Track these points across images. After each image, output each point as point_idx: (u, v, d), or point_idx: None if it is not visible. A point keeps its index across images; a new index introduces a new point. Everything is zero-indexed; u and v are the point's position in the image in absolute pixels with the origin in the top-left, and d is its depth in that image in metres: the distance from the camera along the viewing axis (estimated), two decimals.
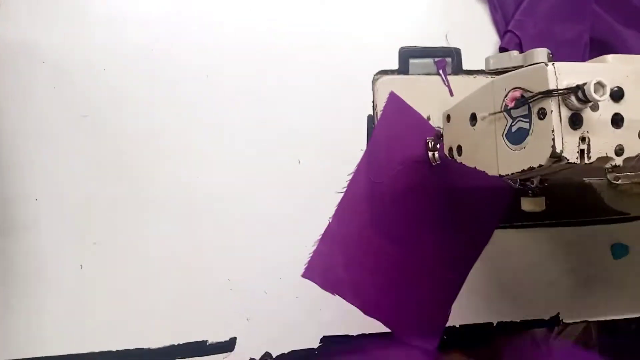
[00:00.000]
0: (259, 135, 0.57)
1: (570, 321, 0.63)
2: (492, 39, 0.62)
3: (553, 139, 0.37)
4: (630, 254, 0.65)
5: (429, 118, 0.60)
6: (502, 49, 0.61)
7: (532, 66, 0.39)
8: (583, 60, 0.63)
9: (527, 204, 0.47)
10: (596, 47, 0.64)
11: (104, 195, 0.53)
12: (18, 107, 0.52)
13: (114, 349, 0.52)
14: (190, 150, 0.55)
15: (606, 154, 0.38)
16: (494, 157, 0.43)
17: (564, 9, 0.62)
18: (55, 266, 0.52)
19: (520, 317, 0.61)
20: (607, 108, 0.38)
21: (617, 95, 0.38)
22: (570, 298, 0.63)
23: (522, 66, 0.42)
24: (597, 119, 0.38)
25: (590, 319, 0.64)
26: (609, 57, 0.42)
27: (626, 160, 0.39)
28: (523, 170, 0.40)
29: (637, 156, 0.39)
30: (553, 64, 0.37)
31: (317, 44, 0.59)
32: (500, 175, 0.43)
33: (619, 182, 0.40)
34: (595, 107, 0.38)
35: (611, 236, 0.64)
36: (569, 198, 0.62)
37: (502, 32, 0.61)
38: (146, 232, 0.54)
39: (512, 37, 0.61)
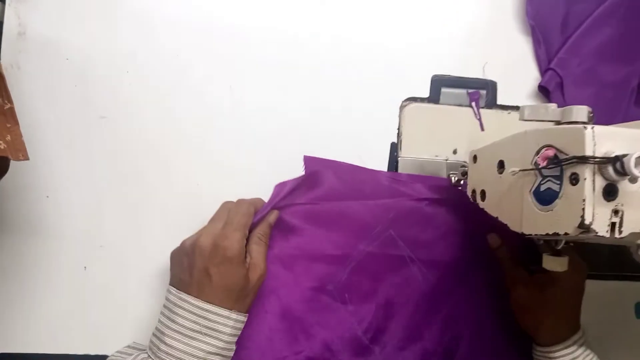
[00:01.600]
0: (276, 152, 0.55)
1: None
2: (532, 75, 0.59)
3: (583, 209, 0.34)
4: None
5: (455, 151, 0.58)
6: (541, 87, 0.58)
7: (570, 126, 0.36)
8: (628, 106, 0.59)
9: (550, 263, 0.45)
10: None
11: (114, 198, 0.52)
12: (37, 102, 0.51)
13: (109, 353, 0.52)
14: (206, 159, 0.54)
15: None
16: (519, 212, 0.41)
17: (613, 49, 0.58)
18: (59, 265, 0.52)
19: None
20: None
21: None
22: None
23: (559, 122, 0.39)
24: (635, 191, 0.35)
25: None
26: None
27: None
28: (548, 234, 0.38)
29: None
30: (592, 128, 0.34)
31: (346, 62, 0.56)
32: (522, 233, 0.41)
33: None
34: (634, 179, 0.35)
35: (637, 294, 0.61)
36: (597, 251, 0.59)
37: (544, 69, 0.58)
38: (154, 238, 0.53)
39: (553, 75, 0.57)
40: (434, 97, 0.58)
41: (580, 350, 0.50)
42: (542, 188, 0.38)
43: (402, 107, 0.57)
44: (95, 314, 0.52)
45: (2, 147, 0.42)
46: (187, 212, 0.53)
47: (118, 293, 0.52)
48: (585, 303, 0.59)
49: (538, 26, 0.58)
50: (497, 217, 0.45)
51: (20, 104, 0.51)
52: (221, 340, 0.44)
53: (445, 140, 0.58)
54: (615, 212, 0.35)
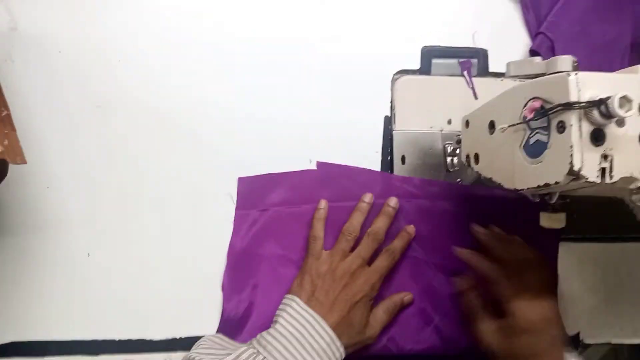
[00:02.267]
0: (270, 133, 0.55)
1: (592, 342, 0.59)
2: (522, 41, 0.59)
3: (571, 155, 0.34)
4: None
5: (449, 122, 0.58)
6: (532, 52, 0.58)
7: (554, 75, 0.36)
8: (622, 66, 0.59)
9: (546, 220, 0.44)
10: (637, 51, 0.59)
11: (114, 184, 0.53)
12: (33, 95, 0.52)
13: (117, 338, 0.52)
14: (200, 145, 0.55)
15: (631, 174, 0.35)
16: (511, 169, 0.41)
17: (602, 9, 0.58)
18: (63, 252, 0.52)
19: None
20: (635, 124, 0.35)
21: None
22: (593, 318, 0.59)
23: (544, 74, 0.39)
24: (623, 135, 0.35)
25: (613, 341, 0.60)
26: None
27: None
28: (539, 186, 0.38)
29: None
30: (576, 74, 0.34)
31: (334, 38, 0.57)
32: (516, 189, 0.41)
33: None
34: (621, 123, 0.35)
35: None
36: (599, 212, 0.58)
37: (534, 34, 0.58)
38: (153, 224, 0.54)
39: (544, 39, 0.57)
40: (425, 69, 0.58)
41: None
42: (532, 141, 0.38)
43: (393, 80, 0.57)
44: (100, 299, 0.53)
45: (0, 151, 0.43)
46: (184, 198, 0.54)
47: (122, 277, 0.53)
48: (591, 267, 0.59)
49: None
50: (490, 178, 0.45)
51: (15, 98, 0.52)
52: None
53: (439, 111, 0.58)
54: (605, 156, 0.34)
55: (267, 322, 0.50)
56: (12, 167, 0.48)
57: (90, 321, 0.52)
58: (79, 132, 0.53)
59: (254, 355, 0.45)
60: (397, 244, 0.53)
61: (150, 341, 0.53)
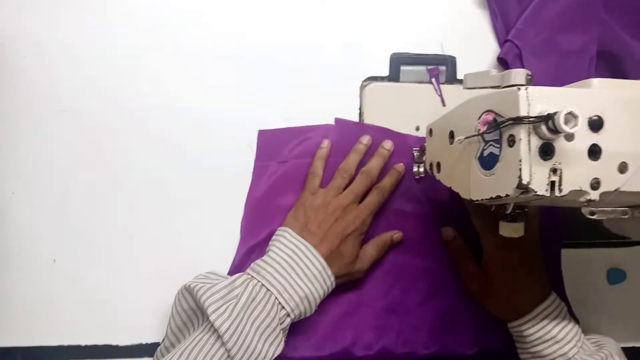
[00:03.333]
0: (241, 136, 0.56)
1: None
2: (491, 47, 0.59)
3: (520, 169, 0.34)
4: (627, 280, 0.61)
5: (417, 128, 0.58)
6: (500, 59, 0.58)
7: (505, 89, 0.37)
8: (589, 74, 0.60)
9: (505, 229, 0.45)
10: (604, 59, 0.60)
11: (80, 190, 0.53)
12: None
13: (82, 344, 0.53)
14: (171, 147, 0.55)
15: (580, 187, 0.35)
16: (467, 180, 0.41)
17: (570, 18, 0.58)
18: (28, 259, 0.52)
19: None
20: (584, 138, 0.35)
21: (596, 124, 0.35)
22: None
23: (499, 86, 0.39)
24: (572, 149, 0.35)
25: None
26: (595, 81, 0.39)
27: (603, 194, 0.36)
28: (492, 198, 0.38)
29: (615, 191, 0.36)
30: (527, 89, 0.35)
31: (303, 44, 0.57)
32: (471, 199, 0.41)
33: (595, 217, 0.37)
34: (570, 137, 0.35)
35: (608, 260, 0.61)
36: (565, 218, 0.59)
37: (502, 41, 0.58)
38: (121, 227, 0.54)
39: (511, 46, 0.57)
40: (393, 76, 0.58)
41: (554, 306, 0.50)
42: (485, 153, 0.39)
43: (362, 87, 0.58)
44: (66, 305, 0.53)
45: None
46: (153, 199, 0.54)
47: (88, 283, 0.53)
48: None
49: None
50: (450, 187, 0.45)
51: None
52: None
53: (407, 117, 0.58)
54: (554, 170, 0.35)
55: None
56: None
57: (56, 327, 0.53)
58: (43, 136, 0.53)
59: (248, 280, 0.47)
60: (387, 181, 0.55)
61: (117, 347, 0.53)
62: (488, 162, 0.38)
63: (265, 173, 0.56)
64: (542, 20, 0.58)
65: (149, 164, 0.54)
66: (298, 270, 0.48)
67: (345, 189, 0.54)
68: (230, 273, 0.54)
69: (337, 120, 0.57)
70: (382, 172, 0.56)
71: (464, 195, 0.42)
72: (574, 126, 0.32)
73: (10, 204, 0.52)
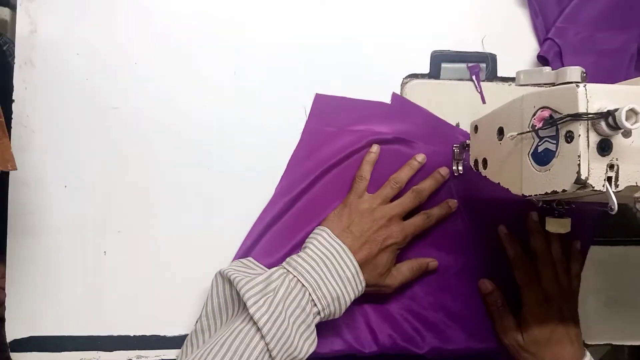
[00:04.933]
0: (280, 134, 0.57)
1: (593, 343, 0.61)
2: (531, 46, 0.60)
3: (579, 165, 0.35)
4: None
5: (458, 125, 0.59)
6: (540, 57, 0.59)
7: (563, 86, 0.37)
8: (629, 72, 0.60)
9: (552, 225, 0.46)
10: None
11: (129, 185, 0.55)
12: (52, 97, 0.54)
13: (132, 334, 0.54)
14: (214, 145, 0.56)
15: (636, 183, 0.36)
16: (519, 175, 0.42)
17: (611, 16, 0.59)
18: (80, 251, 0.54)
19: None
20: None
21: None
22: (595, 318, 0.61)
23: (553, 84, 0.40)
24: (629, 145, 0.36)
25: (614, 342, 0.62)
26: None
27: None
28: (546, 193, 0.39)
29: None
30: (585, 85, 0.35)
31: (344, 42, 0.58)
32: (523, 195, 0.42)
33: None
34: (627, 134, 0.36)
35: None
36: (602, 216, 0.59)
37: (542, 40, 0.59)
38: (168, 223, 0.55)
39: (551, 45, 0.58)
40: (434, 73, 0.59)
41: None
42: (540, 149, 0.39)
43: (403, 84, 0.58)
44: (115, 296, 0.54)
45: None
46: (197, 196, 0.55)
47: (136, 275, 0.54)
48: (594, 269, 0.60)
49: None
50: (498, 183, 0.46)
51: (35, 99, 0.53)
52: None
53: (447, 114, 0.59)
54: (611, 166, 0.36)
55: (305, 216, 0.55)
56: (31, 166, 0.50)
57: (105, 318, 0.54)
58: (95, 132, 0.54)
59: (284, 275, 0.47)
60: (436, 211, 0.56)
61: (164, 337, 0.54)
62: (543, 158, 0.39)
63: (315, 136, 0.56)
64: (582, 19, 0.59)
65: (196, 163, 0.55)
66: (333, 270, 0.48)
67: (392, 200, 0.54)
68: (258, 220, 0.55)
69: (394, 95, 0.57)
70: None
71: (514, 190, 0.43)
72: (635, 122, 0.33)
73: (63, 197, 0.54)
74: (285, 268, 0.49)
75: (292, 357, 0.45)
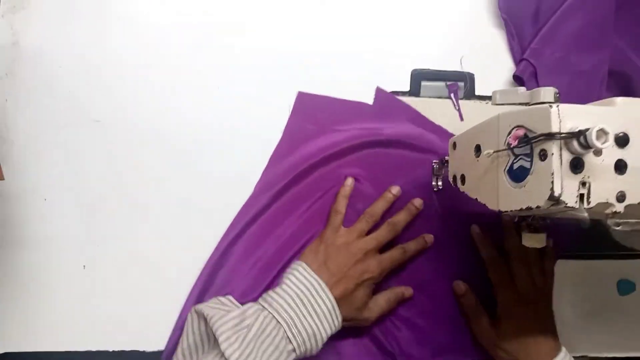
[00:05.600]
0: (271, 139, 0.57)
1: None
2: (507, 66, 0.62)
3: (552, 182, 0.36)
4: (637, 290, 0.63)
5: None
6: (516, 77, 0.61)
7: (537, 106, 0.39)
8: (600, 92, 0.62)
9: (528, 240, 0.47)
10: (614, 78, 0.62)
11: (110, 198, 0.54)
12: (34, 109, 0.53)
13: (111, 349, 0.53)
14: (201, 158, 0.56)
15: (607, 199, 0.37)
16: (495, 192, 0.43)
17: (584, 38, 0.61)
18: (59, 264, 0.53)
19: None
20: (611, 153, 0.37)
21: (622, 141, 0.37)
22: (570, 331, 0.62)
23: (528, 103, 0.41)
24: (600, 164, 0.37)
25: (589, 354, 0.63)
26: (619, 100, 0.41)
27: (628, 207, 0.38)
28: (521, 209, 0.40)
29: (639, 203, 0.38)
30: (557, 106, 0.37)
31: (327, 62, 0.59)
32: (499, 210, 0.43)
33: (619, 228, 0.39)
34: (598, 152, 0.37)
35: (618, 272, 0.63)
36: (576, 231, 0.61)
37: (518, 60, 0.61)
38: (150, 236, 0.55)
39: (527, 65, 0.60)
40: (414, 90, 0.60)
41: None
42: (515, 166, 0.41)
43: None
44: (96, 310, 0.53)
45: None
46: (182, 210, 0.55)
47: (117, 289, 0.54)
48: (569, 283, 0.61)
49: (510, 19, 0.61)
50: (476, 199, 0.47)
51: (16, 111, 0.53)
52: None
53: None
54: (583, 183, 0.37)
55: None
56: (10, 179, 0.49)
57: (84, 332, 0.53)
58: (76, 145, 0.54)
59: (259, 311, 0.47)
60: (413, 245, 0.56)
61: (144, 353, 0.54)
62: (518, 175, 0.40)
63: (297, 133, 0.57)
64: (557, 40, 0.61)
65: (179, 175, 0.56)
66: (309, 306, 0.48)
67: (367, 234, 0.54)
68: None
69: (378, 90, 0.59)
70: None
71: (491, 206, 0.44)
72: (605, 142, 0.34)
73: (42, 210, 0.53)
74: (260, 304, 0.48)
75: None
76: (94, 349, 0.53)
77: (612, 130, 0.37)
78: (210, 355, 0.45)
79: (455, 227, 0.59)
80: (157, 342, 0.54)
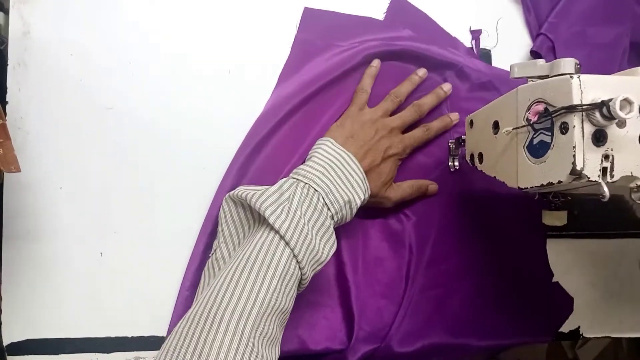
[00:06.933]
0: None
1: (591, 336, 0.61)
2: (524, 41, 0.60)
3: (574, 156, 0.35)
4: None
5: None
6: (533, 52, 0.59)
7: (557, 78, 0.37)
8: (621, 66, 0.60)
9: (549, 218, 0.46)
10: (637, 50, 0.61)
11: (125, 186, 0.54)
12: (46, 99, 0.53)
13: (130, 335, 0.54)
14: (211, 143, 0.56)
15: (631, 173, 0.36)
16: (514, 168, 0.42)
17: (602, 11, 0.59)
18: (77, 252, 0.53)
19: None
20: (635, 125, 0.36)
21: None
22: (592, 312, 0.61)
23: (547, 76, 0.40)
24: (624, 135, 0.36)
25: (612, 335, 0.62)
26: None
27: None
28: (542, 185, 0.39)
29: None
30: (579, 77, 0.36)
31: None
32: (519, 187, 0.42)
33: None
34: (621, 124, 0.36)
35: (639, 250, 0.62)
36: (598, 209, 0.60)
37: (535, 35, 0.59)
38: (164, 223, 0.55)
39: (544, 40, 0.58)
40: None
41: None
42: (535, 141, 0.40)
43: None
44: (113, 297, 0.54)
45: None
46: (195, 196, 0.55)
47: (133, 276, 0.54)
48: (590, 262, 0.60)
49: None
50: (494, 177, 0.46)
51: (29, 101, 0.53)
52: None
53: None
54: (606, 156, 0.36)
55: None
56: (26, 168, 0.49)
57: (104, 318, 0.54)
58: (89, 133, 0.54)
59: (295, 183, 0.47)
60: (436, 124, 0.57)
61: (162, 338, 0.54)
62: (538, 150, 0.39)
63: (306, 48, 0.56)
64: (574, 14, 0.59)
65: (193, 162, 0.55)
66: (342, 175, 0.48)
67: (392, 114, 0.55)
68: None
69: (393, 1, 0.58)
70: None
71: (510, 184, 0.43)
72: (629, 112, 0.33)
73: (57, 199, 0.53)
74: (294, 178, 0.48)
75: (316, 261, 0.45)
76: (113, 335, 0.53)
77: (637, 101, 0.36)
78: (259, 232, 0.44)
79: (473, 209, 0.58)
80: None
